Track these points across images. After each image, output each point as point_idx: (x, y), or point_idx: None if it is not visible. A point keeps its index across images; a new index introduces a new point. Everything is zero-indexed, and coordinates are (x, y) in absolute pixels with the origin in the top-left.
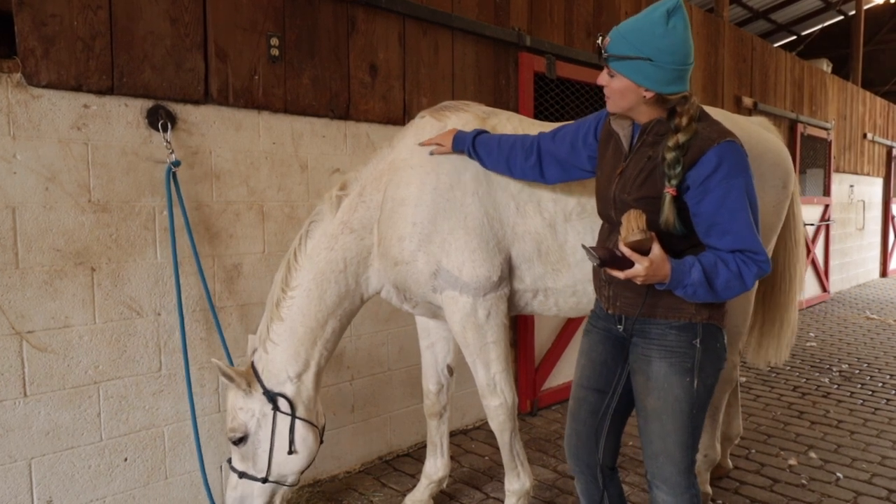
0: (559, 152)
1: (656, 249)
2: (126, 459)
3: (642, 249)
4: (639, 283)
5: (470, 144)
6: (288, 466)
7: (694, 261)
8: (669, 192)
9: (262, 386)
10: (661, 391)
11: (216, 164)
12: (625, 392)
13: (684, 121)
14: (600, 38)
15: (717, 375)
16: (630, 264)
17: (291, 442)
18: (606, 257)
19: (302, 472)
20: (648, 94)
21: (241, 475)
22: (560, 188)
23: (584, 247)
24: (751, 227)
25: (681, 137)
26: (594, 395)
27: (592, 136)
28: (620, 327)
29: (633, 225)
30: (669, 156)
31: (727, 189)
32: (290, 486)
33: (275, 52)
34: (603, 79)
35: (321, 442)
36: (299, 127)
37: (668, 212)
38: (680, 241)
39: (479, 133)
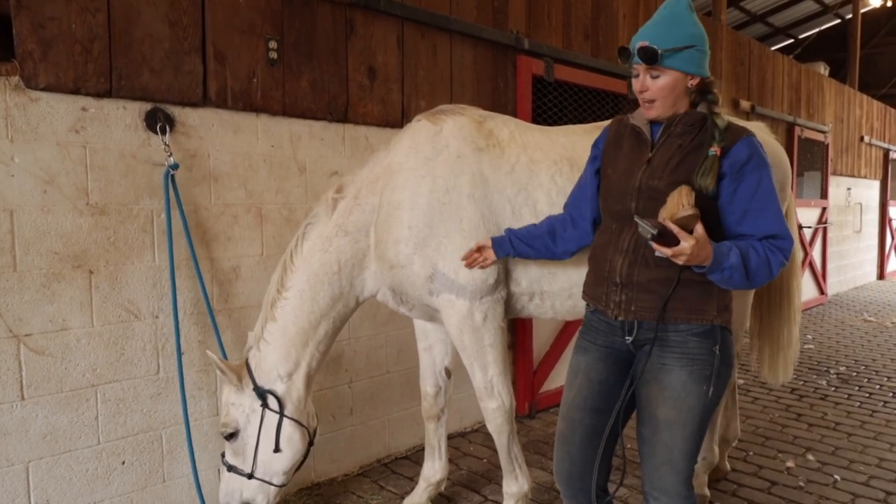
0: (571, 199)
1: (700, 229)
2: (124, 462)
3: (687, 227)
4: (681, 262)
5: (508, 243)
6: (273, 465)
7: (731, 244)
8: (716, 150)
9: (254, 382)
10: (676, 400)
11: (214, 167)
12: (623, 412)
13: (717, 95)
14: (630, 47)
15: (727, 383)
16: (676, 242)
17: (277, 440)
18: (664, 231)
19: (289, 473)
20: (694, 82)
21: (231, 469)
22: (556, 192)
23: (636, 218)
24: (781, 214)
25: (721, 110)
26: (591, 417)
27: (593, 148)
28: (629, 338)
29: (683, 200)
30: (721, 121)
31: (759, 177)
32: (278, 485)
33: (273, 54)
34: (643, 83)
35: (311, 444)
36: (298, 129)
37: (710, 172)
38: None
39: (511, 230)
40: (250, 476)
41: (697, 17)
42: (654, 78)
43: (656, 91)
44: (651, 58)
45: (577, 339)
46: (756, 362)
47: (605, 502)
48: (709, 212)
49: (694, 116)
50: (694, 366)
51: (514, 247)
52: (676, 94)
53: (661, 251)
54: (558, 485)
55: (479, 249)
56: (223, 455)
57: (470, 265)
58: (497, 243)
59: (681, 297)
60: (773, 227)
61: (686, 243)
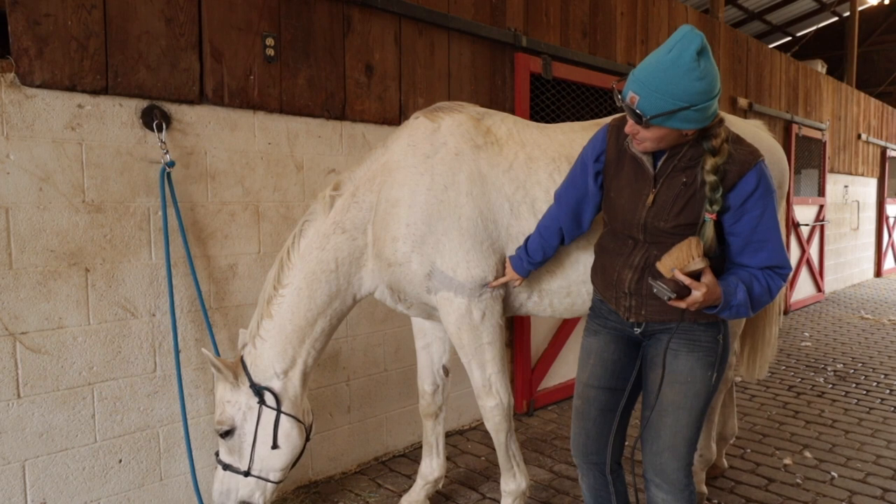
0: (571, 201)
1: (709, 275)
2: (121, 461)
3: (697, 276)
4: (694, 308)
5: (524, 255)
6: (271, 461)
7: (737, 281)
8: (711, 217)
9: (250, 379)
10: (683, 385)
11: (211, 165)
12: (634, 389)
13: (719, 142)
14: (622, 93)
15: (725, 373)
16: (688, 292)
17: (275, 437)
18: (676, 290)
19: (286, 469)
20: (690, 133)
21: (226, 468)
22: (554, 189)
23: (650, 281)
24: (782, 243)
25: (718, 160)
26: (605, 394)
27: (593, 161)
28: (638, 330)
29: (693, 253)
30: (710, 179)
31: (763, 208)
32: (275, 482)
33: (270, 52)
34: (633, 127)
35: (307, 440)
36: (295, 127)
37: (709, 236)
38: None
39: (525, 245)
40: (247, 473)
41: (709, 58)
42: (646, 127)
43: (644, 137)
44: (637, 120)
45: (587, 322)
46: (736, 359)
47: (619, 475)
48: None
49: (699, 150)
50: (700, 352)
51: (533, 263)
52: (667, 142)
53: (676, 305)
54: (575, 458)
55: (507, 277)
56: (217, 454)
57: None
58: (516, 265)
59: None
60: (772, 259)
61: (698, 293)
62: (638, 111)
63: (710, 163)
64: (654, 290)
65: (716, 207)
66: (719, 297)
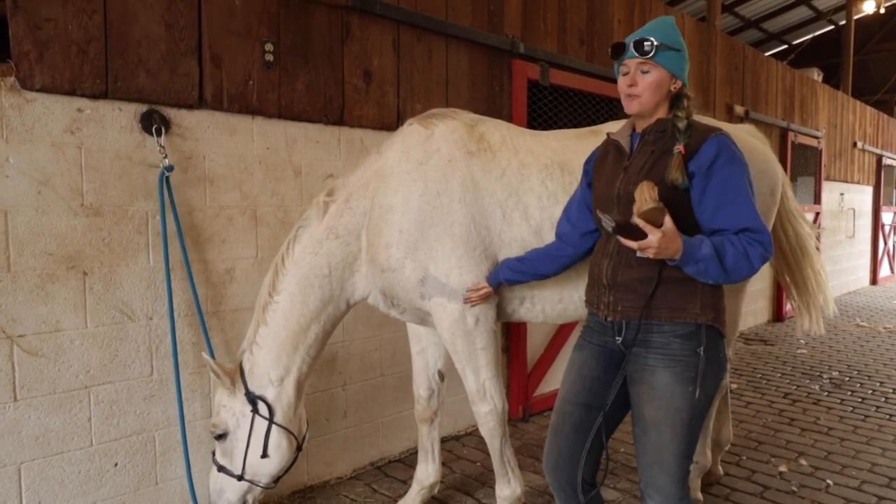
0: (572, 205)
1: (668, 222)
2: (116, 465)
3: (655, 222)
4: (651, 255)
5: (497, 272)
6: (261, 469)
7: (703, 237)
8: (679, 148)
9: (245, 387)
10: (661, 400)
11: (210, 169)
12: (613, 409)
13: (687, 104)
14: (625, 42)
15: (718, 386)
16: (643, 236)
17: (265, 446)
18: (623, 223)
19: (276, 476)
20: (676, 86)
21: (220, 469)
22: (546, 196)
23: (597, 213)
24: (754, 208)
25: (689, 113)
26: (581, 411)
27: (586, 173)
28: (619, 339)
29: (646, 195)
30: (681, 123)
31: (731, 172)
32: (265, 487)
33: (269, 57)
34: (633, 78)
35: (300, 450)
36: (293, 132)
37: (675, 167)
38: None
39: (506, 260)
40: (240, 478)
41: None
42: (644, 73)
43: (645, 86)
44: (647, 49)
45: (578, 337)
46: (798, 319)
47: (591, 495)
48: (682, 210)
49: (665, 123)
50: (677, 367)
51: (503, 275)
52: (661, 94)
53: (627, 244)
54: (546, 475)
55: (479, 288)
56: (213, 454)
57: (474, 300)
58: (490, 275)
59: (663, 296)
60: (745, 220)
61: (653, 236)
62: (650, 38)
63: (682, 113)
64: (603, 223)
65: (685, 141)
66: (679, 247)
